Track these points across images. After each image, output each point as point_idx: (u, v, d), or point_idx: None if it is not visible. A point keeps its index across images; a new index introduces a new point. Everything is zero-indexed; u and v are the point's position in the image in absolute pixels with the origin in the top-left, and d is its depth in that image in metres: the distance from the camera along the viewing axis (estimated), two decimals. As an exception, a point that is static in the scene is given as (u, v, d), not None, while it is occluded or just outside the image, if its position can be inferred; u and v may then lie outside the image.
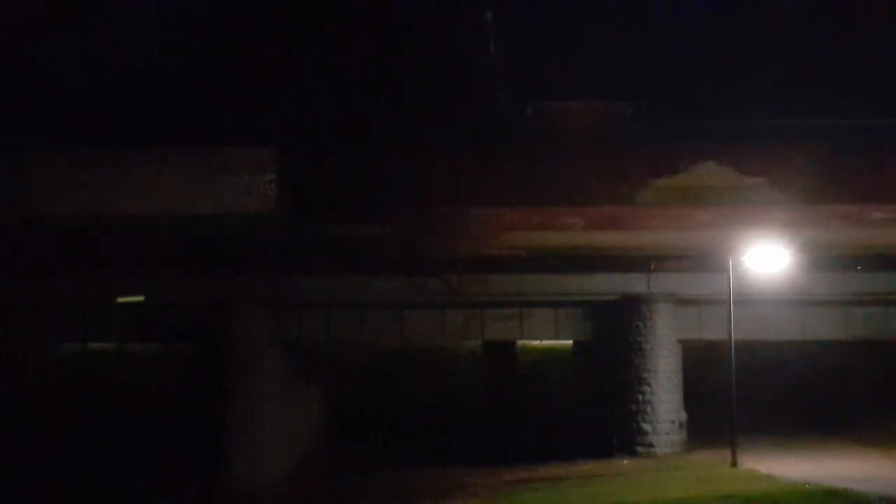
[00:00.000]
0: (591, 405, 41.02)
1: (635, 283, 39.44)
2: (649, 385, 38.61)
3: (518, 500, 31.31)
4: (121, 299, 39.82)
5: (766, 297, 38.02)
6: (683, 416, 39.07)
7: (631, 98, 43.58)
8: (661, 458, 37.32)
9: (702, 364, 42.40)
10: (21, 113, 42.36)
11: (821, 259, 39.03)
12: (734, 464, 32.41)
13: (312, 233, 37.47)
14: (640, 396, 38.57)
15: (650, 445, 38.17)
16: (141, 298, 39.74)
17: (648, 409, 38.45)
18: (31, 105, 42.90)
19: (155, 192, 36.92)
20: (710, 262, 38.43)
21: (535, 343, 50.75)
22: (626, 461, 37.17)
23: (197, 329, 39.49)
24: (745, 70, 52.11)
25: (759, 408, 39.97)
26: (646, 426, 38.37)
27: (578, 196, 36.80)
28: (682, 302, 39.32)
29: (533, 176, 37.00)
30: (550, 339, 45.16)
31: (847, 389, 43.77)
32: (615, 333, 39.33)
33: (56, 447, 40.66)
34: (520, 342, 49.34)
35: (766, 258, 33.31)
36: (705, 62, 54.11)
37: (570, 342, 45.35)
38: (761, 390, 41.68)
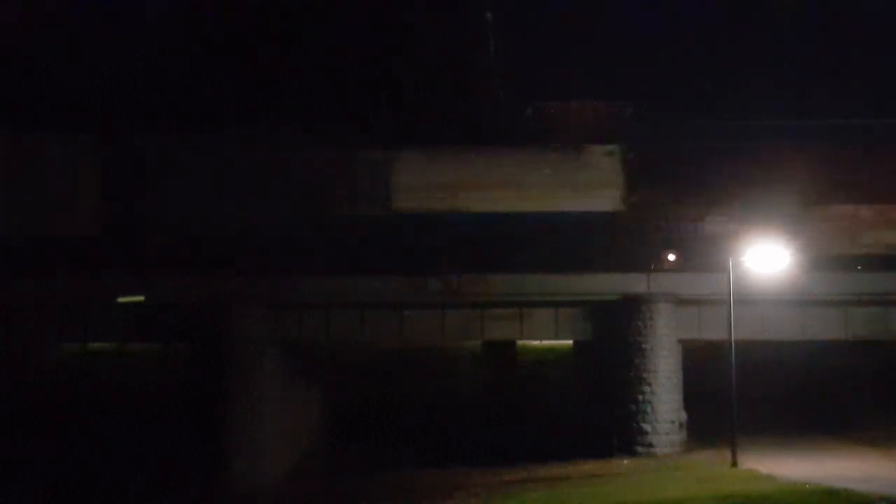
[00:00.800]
0: (591, 405, 41.00)
1: (635, 283, 39.42)
2: (649, 385, 38.60)
3: (518, 500, 31.30)
4: (121, 299, 39.83)
5: (766, 297, 38.01)
6: (683, 416, 39.06)
7: (631, 98, 43.71)
8: (661, 458, 37.31)
9: (702, 364, 42.39)
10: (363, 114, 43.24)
11: (821, 259, 39.12)
12: (734, 464, 32.40)
13: (661, 230, 38.19)
14: (640, 396, 38.56)
15: (650, 445, 38.16)
16: (141, 298, 39.75)
17: (648, 409, 38.44)
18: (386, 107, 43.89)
19: (509, 191, 37.83)
20: (709, 262, 38.48)
21: (535, 343, 50.73)
22: (626, 461, 37.17)
23: (197, 329, 39.48)
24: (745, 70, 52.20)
25: (759, 408, 39.96)
26: (646, 426, 38.36)
27: None
28: (682, 302, 39.30)
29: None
30: (550, 339, 45.15)
31: (847, 389, 43.75)
32: (615, 333, 39.31)
33: (56, 447, 40.64)
34: (520, 342, 49.32)
35: (766, 258, 33.29)
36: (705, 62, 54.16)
37: (570, 342, 45.33)
38: (761, 390, 41.68)
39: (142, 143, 41.09)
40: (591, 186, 39.31)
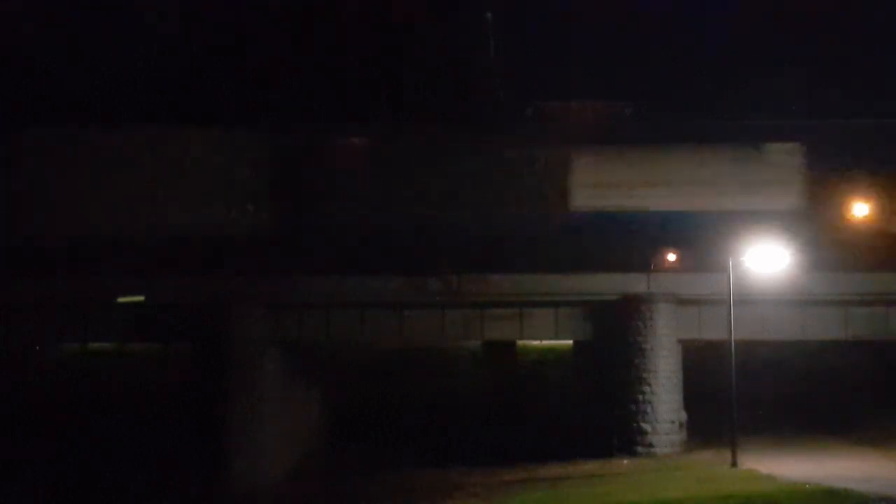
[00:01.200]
0: (591, 405, 40.99)
1: (635, 283, 39.40)
2: (649, 385, 38.59)
3: (518, 500, 31.31)
4: (121, 299, 39.83)
5: (766, 297, 37.99)
6: (683, 416, 39.06)
7: (631, 98, 43.75)
8: (661, 458, 37.31)
9: (702, 364, 42.38)
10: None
11: (820, 259, 39.12)
12: (734, 464, 32.41)
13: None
14: (640, 396, 38.56)
15: (650, 445, 38.16)
16: (141, 298, 39.74)
17: (648, 409, 38.43)
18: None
19: (686, 188, 37.98)
20: (710, 262, 38.47)
21: (535, 343, 50.72)
22: (626, 461, 37.17)
23: (197, 329, 39.47)
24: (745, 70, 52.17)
25: (759, 408, 39.95)
26: (646, 426, 38.35)
27: None
28: (682, 302, 39.28)
29: None
30: (550, 339, 45.14)
31: (847, 389, 43.73)
32: (615, 333, 39.30)
33: (56, 447, 40.64)
34: (520, 342, 49.31)
35: (766, 258, 33.28)
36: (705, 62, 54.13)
37: (570, 342, 45.33)
38: (761, 390, 41.65)
39: (309, 139, 40.90)
40: (770, 185, 39.41)
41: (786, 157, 39.88)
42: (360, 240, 39.62)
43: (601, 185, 39.30)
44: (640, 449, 38.12)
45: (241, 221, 40.24)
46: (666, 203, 39.19)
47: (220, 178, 40.46)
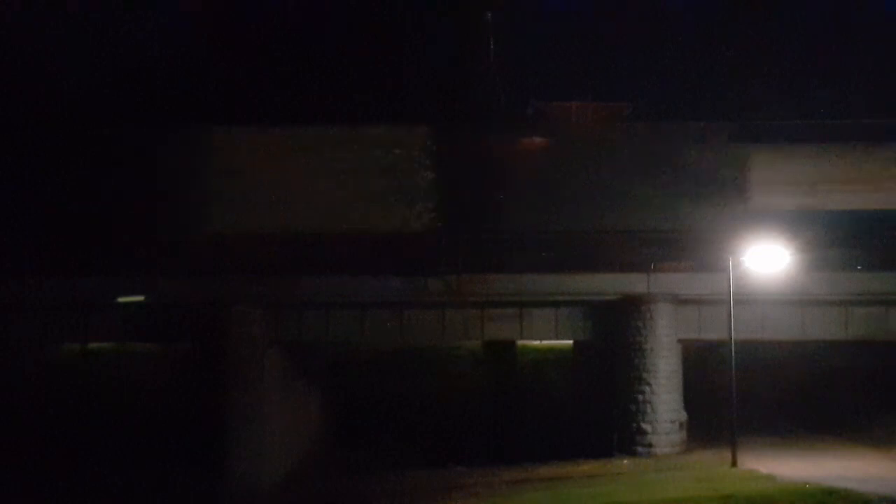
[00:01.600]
0: (591, 405, 41.01)
1: (635, 283, 39.40)
2: (649, 385, 38.61)
3: (518, 500, 31.31)
4: (121, 299, 39.84)
5: (766, 297, 38.01)
6: (683, 416, 39.07)
7: (631, 98, 43.69)
8: (661, 458, 37.31)
9: (702, 364, 42.39)
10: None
11: (820, 259, 39.10)
12: (734, 464, 32.43)
13: None
14: (640, 396, 38.57)
15: (650, 445, 38.17)
16: (141, 298, 39.76)
17: (648, 409, 38.44)
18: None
19: (867, 187, 38.24)
20: (710, 262, 38.46)
21: (535, 343, 50.75)
22: (626, 461, 37.17)
23: (197, 329, 39.47)
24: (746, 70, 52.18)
25: (759, 408, 39.95)
26: (646, 426, 38.36)
27: None
28: (682, 302, 39.29)
29: None
30: (550, 339, 45.11)
31: (847, 389, 43.76)
32: (615, 333, 39.31)
33: (56, 447, 40.64)
34: (520, 342, 49.34)
35: (766, 258, 33.29)
36: (705, 62, 54.17)
37: (570, 342, 45.34)
38: (761, 390, 41.68)
39: (490, 139, 40.68)
40: None
41: None
42: (538, 243, 39.39)
43: (781, 183, 39.12)
44: (640, 449, 38.14)
45: (418, 222, 39.99)
46: (846, 202, 39.05)
47: (398, 177, 40.17)
